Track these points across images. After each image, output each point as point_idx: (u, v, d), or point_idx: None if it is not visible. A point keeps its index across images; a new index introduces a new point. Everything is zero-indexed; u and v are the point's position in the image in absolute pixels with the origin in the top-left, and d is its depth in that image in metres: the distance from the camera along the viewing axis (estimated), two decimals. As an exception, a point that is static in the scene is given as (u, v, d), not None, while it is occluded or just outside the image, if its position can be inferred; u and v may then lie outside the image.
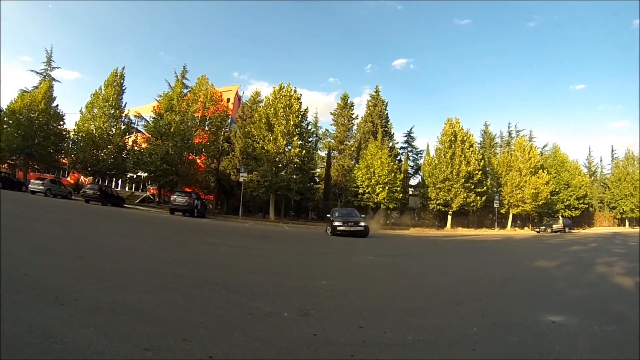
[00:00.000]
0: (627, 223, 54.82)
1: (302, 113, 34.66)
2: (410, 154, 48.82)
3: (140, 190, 44.48)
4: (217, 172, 37.08)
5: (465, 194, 35.74)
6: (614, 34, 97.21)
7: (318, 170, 41.89)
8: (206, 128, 36.98)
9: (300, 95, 34.81)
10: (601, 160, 64.76)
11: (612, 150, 64.72)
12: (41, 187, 27.81)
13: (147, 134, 37.80)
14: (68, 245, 7.32)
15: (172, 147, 33.28)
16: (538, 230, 38.26)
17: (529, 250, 15.70)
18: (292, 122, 33.21)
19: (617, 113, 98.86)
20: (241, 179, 32.20)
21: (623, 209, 52.35)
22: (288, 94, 34.38)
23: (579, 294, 5.89)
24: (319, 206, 39.14)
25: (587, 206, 49.34)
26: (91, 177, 38.01)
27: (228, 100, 42.15)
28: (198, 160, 37.54)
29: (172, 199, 27.35)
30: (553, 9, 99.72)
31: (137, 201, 37.66)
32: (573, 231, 38.44)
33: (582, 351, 3.17)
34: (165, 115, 35.27)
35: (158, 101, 38.14)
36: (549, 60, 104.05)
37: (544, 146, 53.93)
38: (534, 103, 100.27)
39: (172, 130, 33.76)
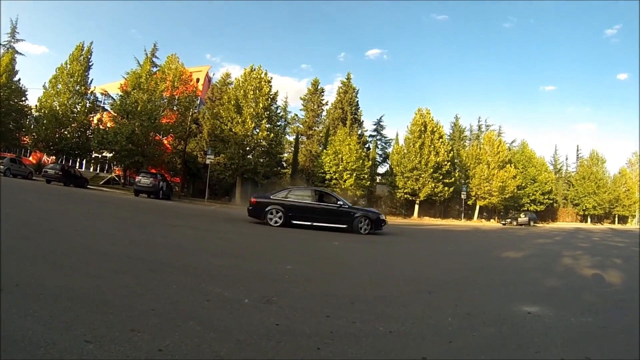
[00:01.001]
0: (589, 219, 56.06)
1: (271, 96, 33.56)
2: (379, 142, 47.92)
3: (105, 172, 42.63)
4: (184, 154, 35.63)
5: (433, 184, 35.35)
6: (586, 40, 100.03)
7: (286, 155, 40.81)
8: (174, 108, 35.52)
9: (271, 78, 33.74)
10: (567, 159, 65.67)
11: (578, 150, 65.98)
12: (0, 166, 26.22)
13: (113, 113, 35.92)
14: (18, 226, 6.44)
15: (138, 127, 31.76)
16: (504, 222, 38.39)
17: (496, 240, 15.54)
18: (261, 105, 32.13)
19: (585, 115, 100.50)
20: (208, 161, 31.01)
21: (586, 206, 53.59)
22: (258, 77, 33.22)
23: (550, 285, 5.81)
24: (286, 191, 38.07)
25: (551, 202, 49.92)
26: (54, 157, 36.01)
27: (197, 80, 40.69)
28: (165, 141, 36.08)
29: (136, 180, 25.96)
30: (529, 12, 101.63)
31: (101, 182, 36.02)
32: (537, 225, 38.63)
33: (561, 343, 3.00)
34: (132, 93, 33.59)
35: (125, 79, 36.18)
36: (521, 60, 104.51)
37: (512, 142, 54.21)
38: (505, 100, 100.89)
39: (138, 109, 32.19)
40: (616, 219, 57.51)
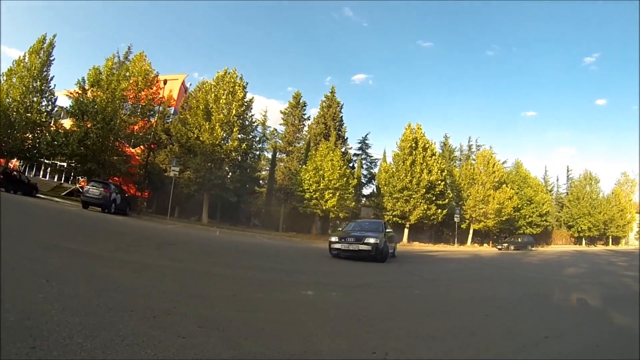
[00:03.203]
0: (583, 242, 52.29)
1: (246, 103, 28.50)
2: (364, 161, 42.42)
3: (69, 182, 37.12)
4: (147, 165, 30.26)
5: (425, 206, 30.46)
6: (565, 67, 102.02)
7: (263, 172, 35.78)
8: (138, 113, 30.21)
9: (246, 83, 28.76)
10: (557, 180, 62.21)
11: (568, 171, 63.57)
12: None
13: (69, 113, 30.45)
14: None
15: (93, 129, 26.45)
16: (500, 247, 33.97)
17: (526, 275, 11.47)
18: (234, 112, 27.23)
19: (565, 139, 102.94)
20: (172, 174, 26.13)
21: (581, 227, 49.95)
22: (232, 81, 28.19)
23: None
24: (262, 212, 33.10)
25: (548, 224, 45.60)
26: (3, 160, 30.53)
27: (171, 91, 35.24)
28: (133, 151, 30.78)
29: (84, 189, 20.77)
30: (511, 41, 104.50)
31: (63, 194, 30.72)
32: (533, 249, 34.01)
33: None
34: (90, 90, 28.24)
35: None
36: (503, 87, 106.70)
37: (504, 162, 49.71)
38: (489, 126, 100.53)
39: (95, 108, 26.88)
40: (610, 240, 53.97)
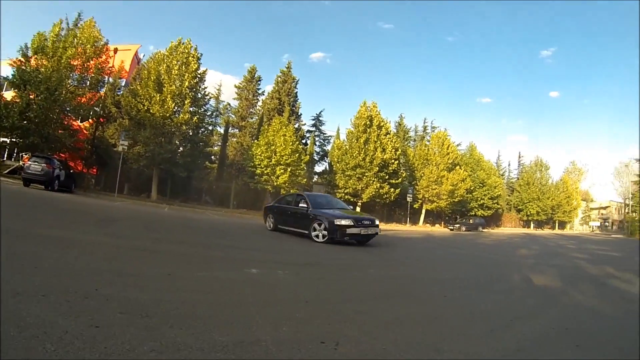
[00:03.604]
0: (531, 225, 54.64)
1: (199, 75, 27.72)
2: (317, 138, 41.97)
3: (12, 159, 35.06)
4: (94, 139, 28.99)
5: (378, 184, 30.74)
6: (523, 58, 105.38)
7: (215, 147, 35.11)
8: (87, 84, 28.73)
9: (201, 55, 27.89)
10: (509, 165, 64.73)
11: (520, 157, 66.34)
12: None
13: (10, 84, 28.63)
14: None
15: (36, 100, 24.99)
16: (452, 227, 35.04)
17: (481, 255, 11.50)
18: (186, 84, 26.38)
19: (519, 127, 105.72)
20: (120, 148, 25.16)
21: (530, 211, 52.10)
22: (187, 51, 27.32)
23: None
24: (213, 188, 32.53)
25: (499, 207, 47.28)
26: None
27: (122, 62, 33.63)
28: (80, 125, 29.33)
29: (25, 165, 19.52)
30: (472, 29, 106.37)
31: (6, 172, 28.97)
32: (484, 231, 35.19)
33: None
34: (33, 58, 26.59)
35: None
36: (461, 72, 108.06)
37: (458, 144, 50.97)
38: (445, 109, 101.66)
39: (39, 78, 25.37)
40: (556, 225, 56.96)
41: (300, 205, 10.92)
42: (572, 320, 3.96)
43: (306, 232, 10.12)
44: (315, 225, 9.84)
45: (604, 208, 72.08)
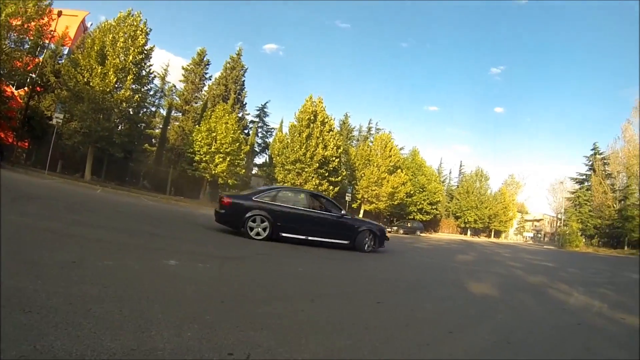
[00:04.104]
0: (468, 232, 57.15)
1: (146, 51, 27.09)
2: (260, 130, 42.08)
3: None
4: (27, 109, 27.57)
5: (317, 181, 31.42)
6: (472, 73, 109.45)
7: (157, 130, 34.47)
8: (26, 47, 27.21)
9: (150, 30, 27.17)
10: (450, 172, 67.57)
11: (461, 166, 68.82)
12: None
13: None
14: None
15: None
16: (390, 230, 35.61)
17: (420, 259, 11.54)
18: (131, 58, 25.65)
19: (462, 138, 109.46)
20: (55, 121, 24.18)
21: (468, 219, 54.48)
22: (135, 24, 26.52)
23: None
24: (151, 172, 31.96)
25: (437, 212, 49.23)
26: None
27: (67, 27, 32.09)
28: (15, 92, 27.80)
29: None
30: (427, 37, 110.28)
31: None
32: (423, 235, 36.50)
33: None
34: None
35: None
36: (411, 79, 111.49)
37: (402, 148, 52.55)
38: (391, 113, 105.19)
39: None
40: (492, 233, 59.90)
41: (330, 210, 9.78)
42: (514, 331, 3.86)
43: (346, 242, 9.61)
44: (365, 235, 9.79)
45: (538, 220, 76.95)
